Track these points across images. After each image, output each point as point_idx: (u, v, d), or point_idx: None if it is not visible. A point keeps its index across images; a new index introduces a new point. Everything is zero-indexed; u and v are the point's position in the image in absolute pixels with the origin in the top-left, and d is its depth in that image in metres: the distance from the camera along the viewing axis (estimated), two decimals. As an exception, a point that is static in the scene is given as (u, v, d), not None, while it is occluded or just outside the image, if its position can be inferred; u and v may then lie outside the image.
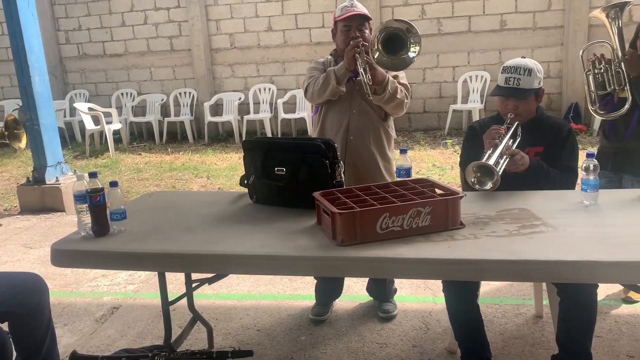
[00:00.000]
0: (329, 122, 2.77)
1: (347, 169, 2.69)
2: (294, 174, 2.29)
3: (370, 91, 2.53)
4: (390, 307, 3.00)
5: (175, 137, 9.46)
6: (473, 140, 2.63)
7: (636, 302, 2.98)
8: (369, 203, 1.99)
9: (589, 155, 2.22)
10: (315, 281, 3.08)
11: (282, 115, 8.66)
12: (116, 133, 8.97)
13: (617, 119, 2.79)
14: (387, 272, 1.96)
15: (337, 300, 3.12)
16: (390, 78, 2.60)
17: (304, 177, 2.28)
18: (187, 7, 9.22)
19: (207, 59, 9.38)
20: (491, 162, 2.27)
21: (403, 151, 2.39)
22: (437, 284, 3.14)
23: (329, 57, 2.84)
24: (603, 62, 2.73)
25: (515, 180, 2.41)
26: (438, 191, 2.13)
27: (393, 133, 2.86)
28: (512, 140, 2.44)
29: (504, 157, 2.34)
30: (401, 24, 2.45)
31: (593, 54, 2.78)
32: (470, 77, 8.22)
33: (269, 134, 8.62)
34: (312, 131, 2.93)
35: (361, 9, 2.67)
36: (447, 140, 7.63)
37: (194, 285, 2.48)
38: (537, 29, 8.07)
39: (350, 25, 2.64)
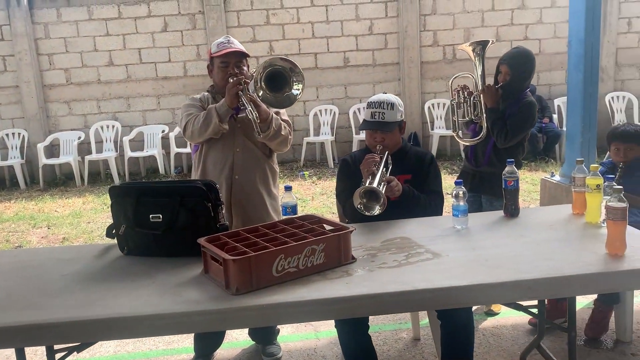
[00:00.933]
0: (211, 161, 2.64)
1: (233, 209, 2.59)
2: (172, 220, 2.12)
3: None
4: (275, 350, 2.89)
5: (3, 184, 8.40)
6: (347, 171, 2.72)
7: (497, 314, 3.23)
8: (260, 245, 1.90)
9: (457, 183, 2.37)
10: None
11: (129, 153, 8.15)
12: None
13: (477, 145, 3.08)
14: (289, 318, 1.87)
15: (217, 349, 2.93)
16: (274, 115, 2.56)
17: (184, 223, 2.12)
18: (13, 40, 8.33)
19: (39, 96, 8.53)
20: (375, 186, 2.34)
21: (288, 188, 2.35)
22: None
23: (206, 93, 2.73)
24: (465, 92, 3.01)
25: (390, 209, 2.50)
26: (327, 227, 2.11)
27: (277, 169, 2.81)
28: (385, 168, 2.55)
29: (382, 184, 2.42)
30: (285, 62, 2.43)
31: (457, 84, 3.06)
32: (320, 110, 8.51)
33: (115, 174, 8.05)
34: (193, 170, 2.77)
35: (238, 45, 2.62)
36: (304, 172, 7.77)
37: (60, 355, 2.14)
38: (376, 66, 8.67)
39: (228, 62, 2.58)
